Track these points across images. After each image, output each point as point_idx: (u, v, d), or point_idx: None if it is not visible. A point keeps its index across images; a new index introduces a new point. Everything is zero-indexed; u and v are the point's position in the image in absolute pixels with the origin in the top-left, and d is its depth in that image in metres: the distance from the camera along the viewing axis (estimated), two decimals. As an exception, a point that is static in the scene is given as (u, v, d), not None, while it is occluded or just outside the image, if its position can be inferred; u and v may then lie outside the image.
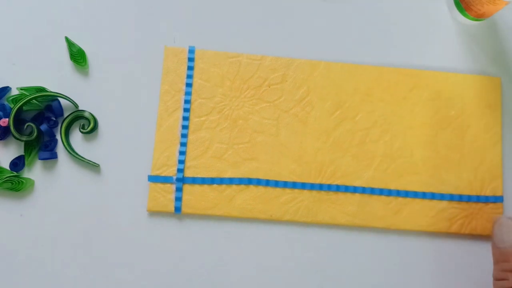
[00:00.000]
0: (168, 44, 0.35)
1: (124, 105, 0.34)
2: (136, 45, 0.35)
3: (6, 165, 0.33)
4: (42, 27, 0.35)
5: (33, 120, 0.34)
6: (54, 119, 0.34)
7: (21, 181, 0.32)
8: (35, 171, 0.33)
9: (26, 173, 0.33)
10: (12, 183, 0.32)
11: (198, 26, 0.36)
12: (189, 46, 0.35)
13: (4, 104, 0.33)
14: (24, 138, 0.33)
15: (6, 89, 0.34)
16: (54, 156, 0.33)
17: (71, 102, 0.34)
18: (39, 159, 0.33)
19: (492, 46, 0.36)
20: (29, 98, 0.33)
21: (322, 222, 0.33)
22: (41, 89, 0.33)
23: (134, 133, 0.34)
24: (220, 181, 0.33)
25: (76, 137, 0.34)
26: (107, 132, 0.34)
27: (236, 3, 0.36)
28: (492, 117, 0.35)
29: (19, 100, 0.33)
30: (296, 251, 0.33)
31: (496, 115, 0.35)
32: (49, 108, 0.34)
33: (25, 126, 0.33)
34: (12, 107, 0.33)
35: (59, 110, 0.34)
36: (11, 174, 0.32)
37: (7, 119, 0.32)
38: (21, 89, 0.33)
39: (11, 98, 0.33)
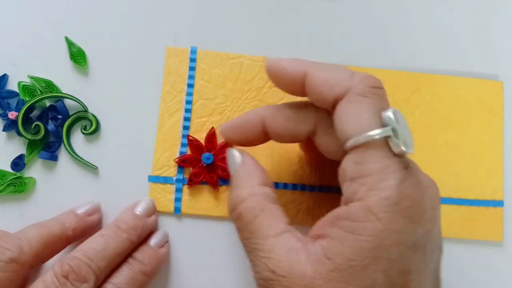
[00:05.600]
0: (169, 45, 0.35)
1: (125, 105, 0.34)
2: (137, 45, 0.35)
3: (6, 165, 0.33)
4: (42, 27, 0.35)
5: (39, 118, 0.33)
6: (60, 117, 0.33)
7: (23, 182, 0.32)
8: (35, 170, 0.33)
9: (26, 172, 0.33)
10: (15, 186, 0.32)
11: (199, 26, 0.35)
12: (191, 47, 0.35)
13: (12, 91, 0.34)
14: (30, 137, 0.33)
15: (4, 77, 0.34)
16: (54, 158, 0.33)
17: (81, 105, 0.34)
18: (39, 157, 0.33)
19: (495, 49, 0.36)
20: (42, 97, 0.33)
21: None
22: (49, 83, 0.34)
23: (134, 133, 0.34)
24: (220, 182, 0.33)
25: (76, 136, 0.34)
26: (107, 132, 0.34)
27: (238, 4, 0.36)
28: (494, 121, 0.35)
29: (30, 94, 0.33)
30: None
31: (498, 119, 0.35)
32: (52, 107, 0.34)
33: (33, 125, 0.33)
34: (21, 97, 0.33)
35: (64, 110, 0.33)
36: (13, 176, 0.32)
37: (17, 113, 0.32)
38: (31, 77, 0.33)
39: (22, 85, 0.33)
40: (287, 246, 0.22)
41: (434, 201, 0.22)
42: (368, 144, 0.21)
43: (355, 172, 0.21)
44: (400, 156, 0.21)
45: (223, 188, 0.33)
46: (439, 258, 0.23)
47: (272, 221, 0.24)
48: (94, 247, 0.27)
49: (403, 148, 0.21)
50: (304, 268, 0.21)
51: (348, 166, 0.22)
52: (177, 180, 0.33)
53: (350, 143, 0.22)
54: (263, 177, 0.26)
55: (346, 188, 0.22)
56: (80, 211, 0.31)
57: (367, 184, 0.21)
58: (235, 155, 0.27)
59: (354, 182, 0.21)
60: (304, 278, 0.21)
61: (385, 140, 0.21)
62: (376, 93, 0.22)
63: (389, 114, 0.21)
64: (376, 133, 0.21)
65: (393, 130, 0.21)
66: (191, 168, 0.33)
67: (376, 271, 0.20)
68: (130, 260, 0.29)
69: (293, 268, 0.21)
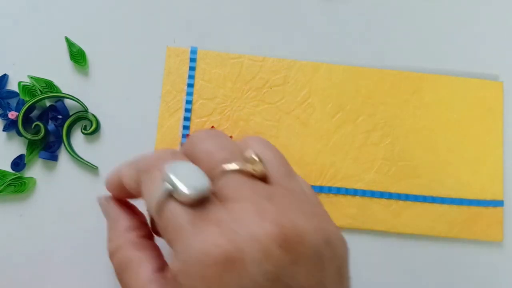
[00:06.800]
0: (169, 45, 0.35)
1: (125, 105, 0.34)
2: (137, 45, 0.35)
3: (6, 165, 0.33)
4: (42, 27, 0.35)
5: (39, 119, 0.33)
6: (60, 117, 0.33)
7: (24, 182, 0.32)
8: (35, 169, 0.33)
9: (27, 172, 0.33)
10: (15, 186, 0.32)
11: (199, 26, 0.35)
12: (191, 47, 0.35)
13: (12, 91, 0.34)
14: (30, 137, 0.32)
15: (4, 77, 0.34)
16: (54, 158, 0.33)
17: (81, 105, 0.34)
18: (39, 157, 0.33)
19: (495, 49, 0.36)
20: (43, 97, 0.33)
21: None
22: (49, 82, 0.34)
23: (134, 133, 0.34)
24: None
25: (76, 136, 0.34)
26: (108, 132, 0.34)
27: (237, 4, 0.36)
28: (494, 121, 0.35)
29: (30, 94, 0.33)
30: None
31: (498, 119, 0.35)
32: (53, 107, 0.34)
33: (33, 125, 0.33)
34: (21, 97, 0.33)
35: (64, 110, 0.33)
36: (14, 176, 0.32)
37: (17, 113, 0.32)
38: (31, 77, 0.33)
39: (22, 85, 0.33)
40: None
41: (267, 249, 0.17)
42: (162, 210, 0.19)
43: (168, 243, 0.20)
44: (198, 202, 0.19)
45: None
46: None
47: (138, 273, 0.22)
48: None
49: (189, 196, 0.18)
50: None
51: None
52: (177, 180, 0.33)
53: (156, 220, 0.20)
54: (128, 220, 0.24)
55: None
56: None
57: (173, 251, 0.19)
58: (99, 204, 0.26)
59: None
60: None
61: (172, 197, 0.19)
62: (160, 162, 0.20)
63: (165, 172, 0.19)
64: (158, 196, 0.19)
65: (172, 185, 0.19)
66: (191, 168, 0.33)
67: None
68: None
69: None
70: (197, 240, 0.17)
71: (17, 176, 0.32)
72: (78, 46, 0.34)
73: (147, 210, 0.21)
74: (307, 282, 0.18)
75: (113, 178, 0.24)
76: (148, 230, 0.24)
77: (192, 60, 0.34)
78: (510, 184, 0.34)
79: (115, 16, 0.35)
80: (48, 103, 0.34)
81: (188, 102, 0.34)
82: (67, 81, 0.34)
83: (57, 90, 0.34)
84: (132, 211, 0.25)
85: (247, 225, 0.18)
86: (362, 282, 0.33)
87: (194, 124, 0.34)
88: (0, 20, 0.35)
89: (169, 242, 0.19)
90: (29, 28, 0.35)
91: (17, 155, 0.33)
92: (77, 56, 0.34)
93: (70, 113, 0.34)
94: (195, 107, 0.34)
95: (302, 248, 0.18)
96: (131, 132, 0.34)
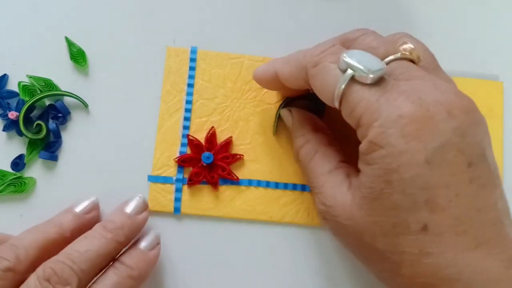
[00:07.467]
0: (169, 45, 0.35)
1: (125, 105, 0.34)
2: (137, 45, 0.35)
3: (6, 165, 0.33)
4: (42, 27, 0.35)
5: (39, 118, 0.34)
6: (60, 115, 0.33)
7: (24, 182, 0.32)
8: (35, 169, 0.33)
9: (26, 171, 0.33)
10: (15, 186, 0.32)
11: (199, 26, 0.35)
12: (191, 47, 0.35)
13: (12, 91, 0.34)
14: (31, 136, 0.32)
15: (4, 77, 0.34)
16: (54, 158, 0.33)
17: (81, 101, 0.34)
18: (39, 157, 0.33)
19: (495, 49, 0.36)
20: (43, 95, 0.33)
21: (322, 224, 0.33)
22: (48, 81, 0.34)
23: (134, 133, 0.34)
24: (220, 182, 0.33)
25: (76, 136, 0.34)
26: (108, 132, 0.34)
27: (238, 4, 0.36)
28: (494, 121, 0.35)
29: (30, 94, 0.33)
30: (296, 252, 0.33)
31: (498, 120, 0.35)
32: (52, 106, 0.34)
33: (34, 125, 0.33)
34: (21, 97, 0.33)
35: (65, 109, 0.33)
36: (13, 176, 0.32)
37: (17, 113, 0.32)
38: (30, 77, 0.33)
39: (22, 85, 0.33)
40: (335, 181, 0.26)
41: (450, 111, 0.21)
42: (345, 94, 0.23)
43: (354, 121, 0.23)
44: (377, 82, 0.22)
45: (223, 188, 0.33)
46: (490, 172, 0.23)
47: (324, 161, 0.27)
48: (78, 249, 0.27)
49: (371, 76, 0.22)
50: (345, 198, 0.24)
51: (347, 119, 0.24)
52: (177, 180, 0.33)
53: (336, 105, 0.24)
54: (314, 124, 0.29)
55: (359, 136, 0.24)
56: (79, 209, 0.31)
57: (364, 124, 0.22)
58: (284, 113, 0.32)
59: (359, 128, 0.23)
60: (345, 206, 0.24)
61: (355, 80, 0.23)
62: (326, 55, 0.24)
63: (342, 59, 0.23)
64: (341, 82, 0.23)
65: (352, 69, 0.22)
66: (191, 168, 0.33)
67: (394, 193, 0.21)
68: (117, 264, 0.28)
69: (337, 199, 0.25)
70: (391, 107, 0.21)
71: (17, 176, 0.32)
72: (78, 46, 0.34)
73: (323, 101, 0.25)
74: (483, 143, 0.22)
75: (266, 72, 0.29)
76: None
77: (192, 60, 0.34)
78: (510, 184, 0.34)
79: (115, 16, 0.35)
80: (47, 103, 0.34)
81: (188, 102, 0.34)
82: (67, 81, 0.34)
83: (57, 88, 0.34)
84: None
85: (428, 93, 0.21)
86: (363, 280, 0.33)
87: (194, 124, 0.34)
88: (0, 20, 0.35)
89: (359, 121, 0.22)
90: (29, 28, 0.35)
91: (17, 155, 0.33)
92: (77, 56, 0.34)
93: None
94: (195, 107, 0.34)
95: (477, 114, 0.22)
96: (131, 132, 0.34)
